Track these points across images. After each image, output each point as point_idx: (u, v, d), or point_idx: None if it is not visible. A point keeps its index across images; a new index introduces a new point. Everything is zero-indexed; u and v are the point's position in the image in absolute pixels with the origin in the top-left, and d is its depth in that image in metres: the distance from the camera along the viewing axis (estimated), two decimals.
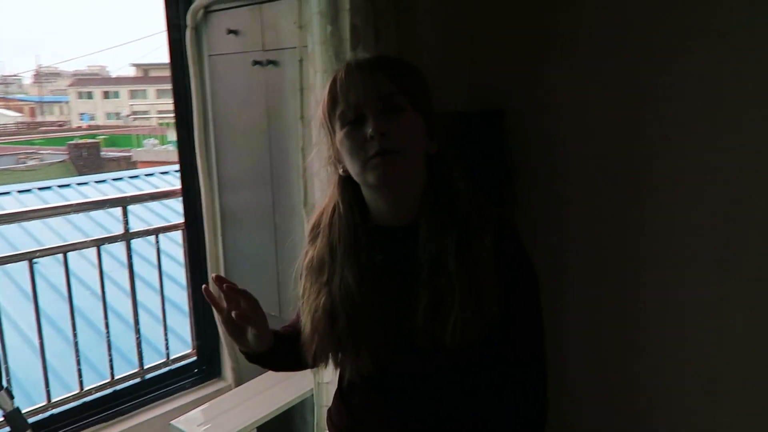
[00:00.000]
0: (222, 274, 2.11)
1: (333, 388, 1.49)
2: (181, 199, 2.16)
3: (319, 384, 1.48)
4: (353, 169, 0.89)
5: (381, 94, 0.86)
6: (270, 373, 1.97)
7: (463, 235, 0.88)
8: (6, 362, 1.85)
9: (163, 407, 2.02)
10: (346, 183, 0.94)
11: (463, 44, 1.73)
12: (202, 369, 2.18)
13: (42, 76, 32.50)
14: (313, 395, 1.64)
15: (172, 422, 1.71)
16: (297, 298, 1.01)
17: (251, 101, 1.86)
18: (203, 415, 1.74)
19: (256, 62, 1.79)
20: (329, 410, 1.08)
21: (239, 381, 2.09)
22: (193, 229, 2.13)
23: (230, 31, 1.86)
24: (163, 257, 2.27)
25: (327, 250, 0.93)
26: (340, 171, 0.93)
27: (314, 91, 1.30)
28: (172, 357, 2.20)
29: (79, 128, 23.70)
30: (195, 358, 2.20)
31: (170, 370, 2.15)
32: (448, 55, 1.70)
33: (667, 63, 1.42)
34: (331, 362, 0.97)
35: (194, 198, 2.08)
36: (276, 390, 1.84)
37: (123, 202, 2.22)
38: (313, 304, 0.93)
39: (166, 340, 2.24)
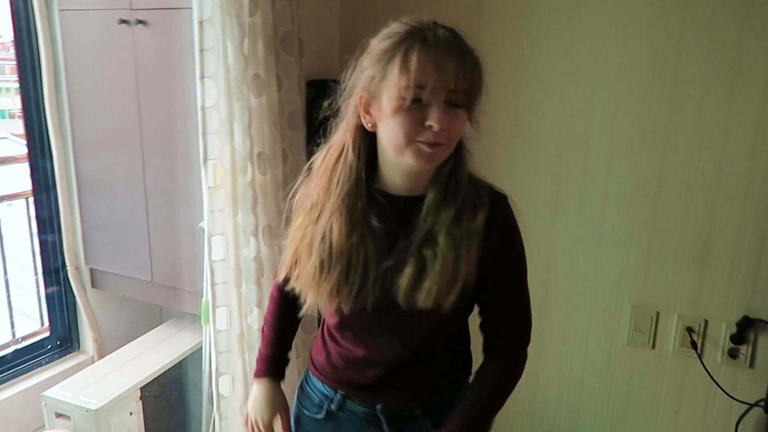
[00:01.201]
0: (80, 243, 2.03)
1: (230, 335, 1.58)
2: (26, 164, 2.00)
3: (218, 331, 1.55)
4: (393, 140, 0.89)
5: (453, 90, 0.86)
6: (142, 338, 1.96)
7: (459, 212, 0.94)
8: None
9: (18, 386, 1.89)
10: (364, 134, 0.94)
11: (335, 15, 1.89)
12: (57, 344, 2.07)
13: None
14: (201, 348, 1.70)
15: (46, 393, 1.64)
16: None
17: (116, 61, 1.80)
18: (79, 382, 1.70)
19: (122, 21, 1.75)
20: (311, 351, 1.16)
21: (102, 352, 2.04)
22: (42, 196, 1.99)
23: None
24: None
25: (323, 189, 0.96)
26: (366, 123, 0.93)
27: (215, 52, 1.36)
28: (21, 335, 2.05)
29: None
30: (48, 333, 2.07)
31: (21, 349, 2.01)
32: (323, 26, 1.84)
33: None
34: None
35: (43, 163, 1.96)
36: (155, 351, 1.85)
37: None
38: (297, 240, 0.99)
39: (11, 317, 2.07)
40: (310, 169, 1.01)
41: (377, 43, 0.90)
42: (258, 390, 1.17)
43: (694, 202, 1.64)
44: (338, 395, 1.10)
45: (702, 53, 1.55)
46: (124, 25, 1.75)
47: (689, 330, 1.69)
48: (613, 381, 1.83)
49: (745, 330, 1.62)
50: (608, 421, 1.87)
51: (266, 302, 1.62)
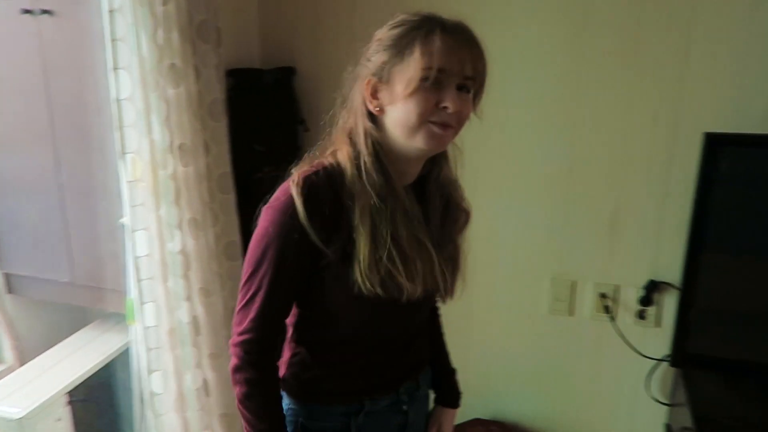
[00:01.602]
0: None
1: (160, 331, 1.56)
2: None
3: (147, 328, 1.53)
4: (406, 121, 0.91)
5: (468, 75, 0.91)
6: (66, 342, 1.90)
7: (450, 201, 1.06)
8: None
9: None
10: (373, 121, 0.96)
11: (252, 3, 1.87)
12: None
13: None
14: (129, 348, 1.66)
15: None
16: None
17: (21, 54, 1.71)
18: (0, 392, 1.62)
19: (25, 11, 1.66)
20: (287, 378, 1.07)
21: (23, 359, 1.95)
22: None
23: None
24: None
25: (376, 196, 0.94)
26: (374, 108, 0.94)
27: (127, 42, 1.32)
28: None
29: None
30: None
31: None
32: (240, 14, 1.82)
33: None
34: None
35: None
36: (81, 354, 1.80)
37: None
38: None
39: None
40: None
41: (388, 32, 0.93)
42: None
43: (602, 177, 1.75)
44: (366, 403, 1.08)
45: (607, 35, 1.66)
46: (27, 15, 1.67)
47: (603, 296, 1.82)
48: (537, 347, 1.94)
49: (651, 293, 1.76)
50: (534, 384, 1.98)
51: (195, 296, 1.63)
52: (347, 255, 0.93)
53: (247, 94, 1.76)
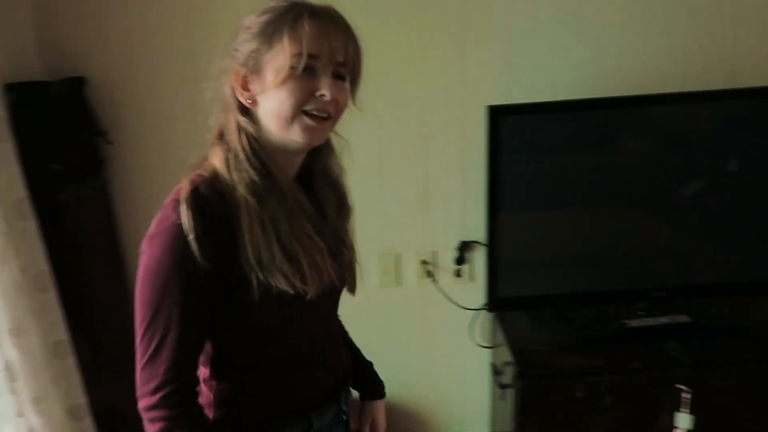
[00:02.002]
0: None
1: None
2: None
3: None
4: (280, 111, 0.86)
5: (340, 61, 0.87)
6: None
7: (342, 194, 1.05)
8: None
9: None
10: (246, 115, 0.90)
11: (26, 13, 1.69)
12: None
13: None
14: None
15: None
16: None
17: None
18: None
19: None
20: (219, 420, 0.96)
21: None
22: None
23: None
24: None
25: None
26: (245, 99, 0.89)
27: None
28: None
29: None
30: None
31: None
32: (13, 26, 1.64)
33: None
34: None
35: None
36: None
37: None
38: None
39: None
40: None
41: (256, 18, 0.87)
42: None
43: (410, 158, 1.91)
44: (315, 420, 1.03)
45: (392, 23, 1.80)
46: None
47: (424, 263, 2.00)
48: (373, 319, 2.06)
49: (463, 252, 1.98)
50: (374, 353, 2.10)
51: (6, 338, 1.47)
52: (249, 265, 0.85)
53: (33, 109, 1.60)
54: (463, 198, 1.94)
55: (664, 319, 1.81)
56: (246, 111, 0.90)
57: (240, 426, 0.97)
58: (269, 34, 0.85)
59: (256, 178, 0.87)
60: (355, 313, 2.06)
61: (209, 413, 0.96)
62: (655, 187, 1.75)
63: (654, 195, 1.75)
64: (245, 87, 0.89)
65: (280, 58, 0.84)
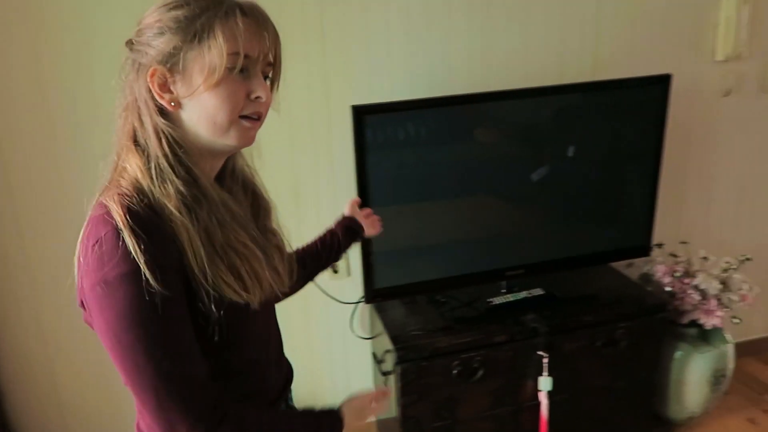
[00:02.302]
0: None
1: None
2: None
3: None
4: (214, 118, 0.79)
5: (270, 61, 0.83)
6: None
7: (255, 193, 0.99)
8: None
9: None
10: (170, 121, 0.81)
11: None
12: None
13: None
14: None
15: None
16: None
17: None
18: None
19: None
20: None
21: None
22: None
23: None
24: None
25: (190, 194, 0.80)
26: (167, 103, 0.80)
27: None
28: None
29: None
30: None
31: None
32: None
33: None
34: None
35: None
36: None
37: None
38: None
39: None
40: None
41: (168, 12, 0.78)
42: (346, 412, 0.99)
43: (280, 158, 1.93)
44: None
45: None
46: None
47: None
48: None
49: None
50: None
51: None
52: (197, 280, 0.79)
53: None
54: (335, 194, 2.00)
55: (522, 294, 2.00)
56: (164, 113, 0.81)
57: None
58: (195, 29, 0.77)
59: (182, 189, 0.79)
60: None
61: None
62: (508, 175, 1.92)
63: (507, 182, 1.93)
64: (164, 88, 0.80)
65: (214, 57, 0.77)
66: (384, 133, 1.75)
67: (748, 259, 2.19)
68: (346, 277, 2.09)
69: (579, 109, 1.92)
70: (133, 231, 0.73)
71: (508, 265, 1.98)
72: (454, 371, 1.82)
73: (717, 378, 2.14)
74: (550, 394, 1.86)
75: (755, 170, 2.41)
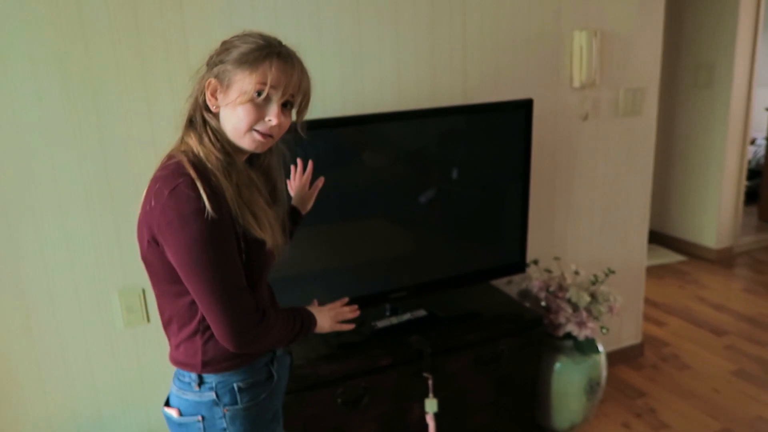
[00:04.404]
0: None
1: None
2: None
3: None
4: (236, 125, 1.10)
5: (293, 93, 1.11)
6: None
7: (275, 187, 1.28)
8: None
9: None
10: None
11: None
12: None
13: None
14: None
15: None
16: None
17: None
18: None
19: None
20: (209, 361, 1.18)
21: None
22: None
23: None
24: None
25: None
26: (212, 105, 1.12)
27: None
28: None
29: None
30: None
31: None
32: None
33: None
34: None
35: None
36: None
37: None
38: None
39: None
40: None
41: (238, 43, 1.10)
42: (318, 315, 1.34)
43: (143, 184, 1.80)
44: (276, 349, 1.30)
45: (107, 41, 1.70)
46: None
47: None
48: (124, 364, 1.89)
49: None
50: (132, 405, 1.93)
51: None
52: (233, 217, 1.09)
53: None
54: None
55: (406, 316, 2.00)
56: (209, 110, 1.13)
57: (227, 362, 1.18)
58: (244, 61, 1.07)
59: (220, 155, 1.10)
60: (99, 359, 1.87)
61: (197, 357, 1.18)
62: (393, 197, 1.92)
63: (393, 205, 1.93)
64: (213, 95, 1.11)
65: (248, 83, 1.07)
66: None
67: (612, 272, 2.34)
68: None
69: (455, 132, 1.98)
70: (201, 180, 1.05)
71: (393, 287, 1.98)
72: (339, 399, 1.76)
73: (593, 387, 2.25)
74: (437, 415, 1.85)
75: (614, 189, 2.61)
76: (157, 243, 1.08)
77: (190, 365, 1.19)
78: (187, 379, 1.20)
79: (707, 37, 3.89)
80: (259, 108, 1.09)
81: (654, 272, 3.87)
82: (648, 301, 3.30)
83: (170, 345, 1.24)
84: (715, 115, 3.94)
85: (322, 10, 1.90)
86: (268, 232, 1.13)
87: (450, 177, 1.99)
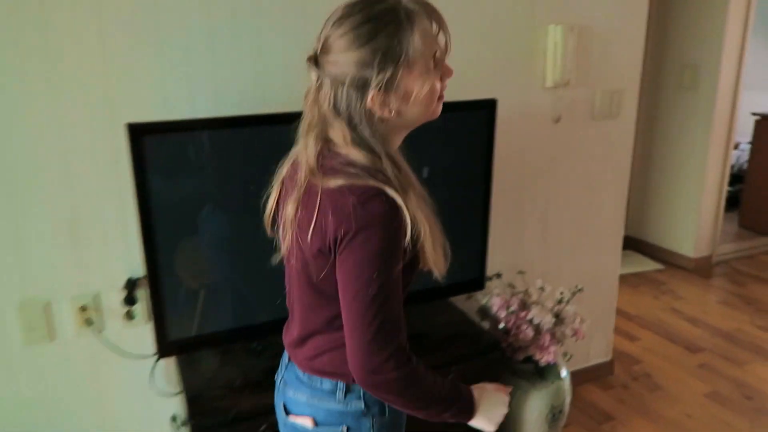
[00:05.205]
0: None
1: None
2: None
3: None
4: (430, 99, 0.99)
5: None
6: None
7: None
8: None
9: None
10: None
11: None
12: None
13: None
14: None
15: None
16: None
17: None
18: None
19: None
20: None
21: None
22: None
23: None
24: None
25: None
26: (387, 113, 0.97)
27: None
28: None
29: None
30: None
31: None
32: None
33: None
34: None
35: None
36: None
37: None
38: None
39: None
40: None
41: (390, 38, 0.92)
42: (482, 395, 1.13)
43: (53, 183, 1.58)
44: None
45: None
46: None
47: (83, 309, 1.67)
48: (24, 388, 1.67)
49: (132, 291, 1.70)
50: (36, 429, 1.71)
51: None
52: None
53: None
54: (124, 226, 1.67)
55: None
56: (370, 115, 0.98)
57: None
58: (409, 57, 0.94)
59: (398, 173, 0.96)
60: None
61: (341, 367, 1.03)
62: None
63: None
64: (385, 104, 0.96)
65: (435, 47, 0.98)
66: (170, 156, 1.47)
67: (580, 290, 2.15)
68: (146, 323, 1.76)
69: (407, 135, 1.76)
70: (384, 193, 0.93)
71: None
72: None
73: (555, 414, 2.07)
74: None
75: (587, 197, 2.42)
76: (330, 252, 0.97)
77: (337, 374, 1.08)
78: (329, 388, 1.10)
79: (693, 36, 3.70)
80: (438, 74, 1.02)
81: (628, 281, 3.71)
82: (621, 312, 3.13)
83: (303, 354, 1.13)
84: (698, 118, 3.77)
85: None
86: (440, 259, 1.01)
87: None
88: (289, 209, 1.00)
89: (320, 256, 0.98)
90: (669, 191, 4.02)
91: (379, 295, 0.93)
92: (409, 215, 0.93)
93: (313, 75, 0.97)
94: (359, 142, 0.97)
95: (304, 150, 0.99)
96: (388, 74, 0.93)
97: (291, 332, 1.18)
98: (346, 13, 0.93)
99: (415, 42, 0.93)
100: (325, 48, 0.95)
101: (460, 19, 1.94)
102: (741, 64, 3.67)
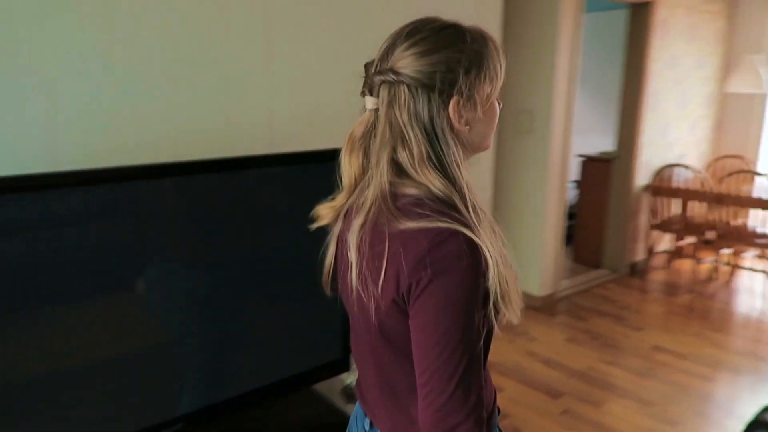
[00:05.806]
0: None
1: None
2: None
3: None
4: (491, 128, 0.97)
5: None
6: None
7: None
8: None
9: None
10: None
11: None
12: None
13: None
14: None
15: None
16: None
17: None
18: None
19: None
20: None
21: None
22: None
23: None
24: None
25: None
26: (461, 124, 0.93)
27: None
28: None
29: None
30: None
31: None
32: None
33: None
34: None
35: None
36: None
37: None
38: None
39: None
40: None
41: (468, 46, 0.90)
42: None
43: None
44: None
45: None
46: None
47: None
48: None
49: None
50: None
51: None
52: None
53: None
54: None
55: None
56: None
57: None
58: (484, 65, 0.91)
59: (472, 206, 0.89)
60: None
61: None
62: (174, 277, 1.32)
63: (168, 291, 1.32)
64: (459, 113, 0.92)
65: (495, 86, 0.94)
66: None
67: None
68: None
69: (247, 190, 1.45)
70: (460, 233, 0.85)
71: (164, 418, 1.36)
72: None
73: None
74: None
75: None
76: (403, 302, 0.88)
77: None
78: None
79: (528, 84, 3.86)
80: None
81: None
82: None
83: (396, 417, 1.01)
84: (536, 159, 3.91)
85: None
86: (514, 306, 0.91)
87: (243, 249, 1.44)
88: (353, 253, 0.91)
89: (393, 307, 0.90)
90: (514, 232, 4.11)
91: (461, 345, 0.85)
92: (490, 254, 0.86)
93: (384, 88, 0.90)
94: (435, 161, 0.90)
95: (376, 168, 0.91)
96: (472, 77, 0.91)
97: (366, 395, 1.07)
98: (414, 29, 0.90)
99: (492, 57, 0.93)
100: (398, 56, 0.90)
101: (310, 60, 1.69)
102: (570, 111, 3.88)
